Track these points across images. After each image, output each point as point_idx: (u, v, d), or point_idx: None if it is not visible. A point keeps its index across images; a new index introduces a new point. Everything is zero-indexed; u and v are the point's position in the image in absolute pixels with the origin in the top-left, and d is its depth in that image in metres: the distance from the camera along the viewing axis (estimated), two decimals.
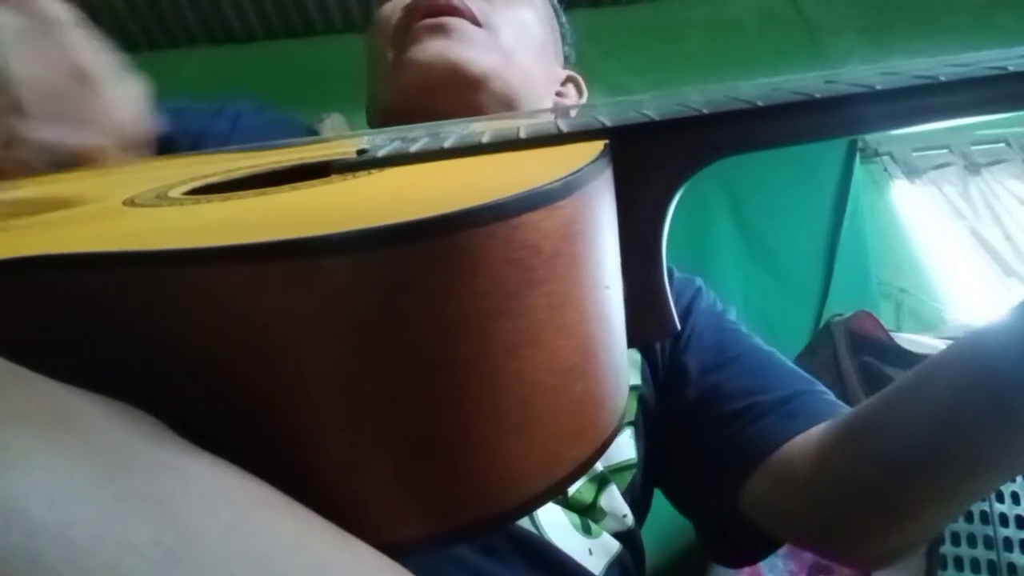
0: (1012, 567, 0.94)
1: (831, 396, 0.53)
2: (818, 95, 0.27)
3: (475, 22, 0.58)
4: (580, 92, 0.71)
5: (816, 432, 0.48)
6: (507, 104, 0.59)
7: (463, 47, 0.57)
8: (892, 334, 1.22)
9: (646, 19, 2.12)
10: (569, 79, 0.71)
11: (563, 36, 0.72)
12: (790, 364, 0.57)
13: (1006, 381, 0.35)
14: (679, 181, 0.29)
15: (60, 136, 0.36)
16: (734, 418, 0.52)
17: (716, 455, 0.53)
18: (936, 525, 0.45)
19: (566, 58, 0.73)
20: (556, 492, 0.24)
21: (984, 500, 0.97)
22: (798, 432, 0.49)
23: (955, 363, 0.40)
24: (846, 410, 0.50)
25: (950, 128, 1.86)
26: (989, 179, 1.84)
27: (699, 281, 0.64)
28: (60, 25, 0.36)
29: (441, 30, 0.57)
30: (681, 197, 0.29)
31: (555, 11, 0.71)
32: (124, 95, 0.39)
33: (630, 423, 0.56)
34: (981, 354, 0.38)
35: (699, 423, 0.55)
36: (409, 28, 0.58)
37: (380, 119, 0.62)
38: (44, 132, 0.35)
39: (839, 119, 0.28)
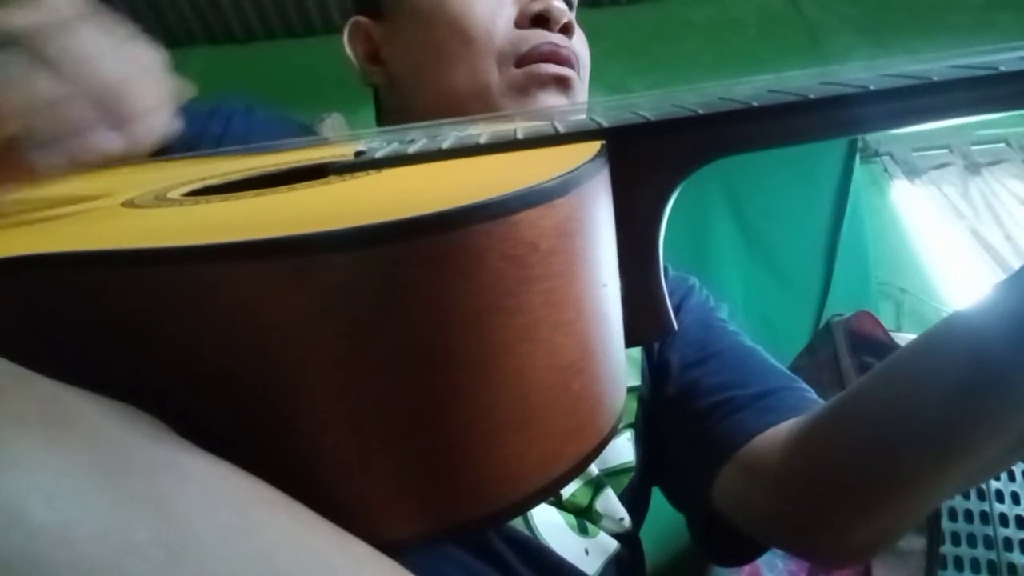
0: (1012, 567, 0.93)
1: (811, 394, 0.53)
2: (812, 96, 0.27)
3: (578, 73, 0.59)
4: None
5: (787, 424, 0.48)
6: None
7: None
8: (892, 334, 1.21)
9: (646, 19, 2.11)
10: None
11: None
12: (772, 361, 0.56)
13: (986, 361, 0.34)
14: (676, 181, 0.29)
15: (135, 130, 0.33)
16: (710, 412, 0.52)
17: (693, 449, 0.53)
18: (908, 517, 0.43)
19: None
20: (554, 489, 0.24)
21: (984, 500, 0.97)
22: (771, 425, 0.48)
23: (931, 346, 0.39)
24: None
25: (950, 128, 1.86)
26: (989, 179, 1.84)
27: (692, 279, 0.64)
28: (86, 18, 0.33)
29: (566, 84, 0.57)
30: (681, 197, 0.29)
31: None
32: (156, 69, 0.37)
33: (630, 425, 0.55)
34: (959, 336, 0.36)
35: (679, 418, 0.54)
36: (536, 71, 0.56)
37: (442, 103, 0.57)
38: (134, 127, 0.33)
39: (834, 119, 0.28)
